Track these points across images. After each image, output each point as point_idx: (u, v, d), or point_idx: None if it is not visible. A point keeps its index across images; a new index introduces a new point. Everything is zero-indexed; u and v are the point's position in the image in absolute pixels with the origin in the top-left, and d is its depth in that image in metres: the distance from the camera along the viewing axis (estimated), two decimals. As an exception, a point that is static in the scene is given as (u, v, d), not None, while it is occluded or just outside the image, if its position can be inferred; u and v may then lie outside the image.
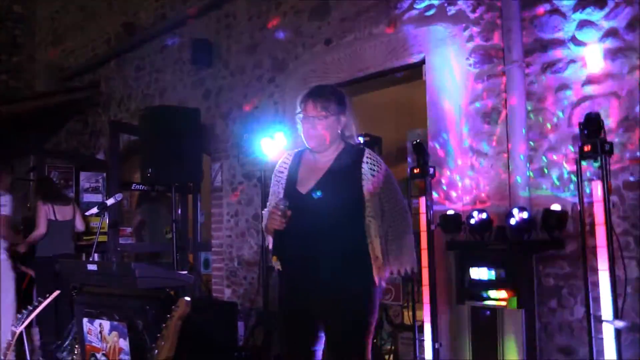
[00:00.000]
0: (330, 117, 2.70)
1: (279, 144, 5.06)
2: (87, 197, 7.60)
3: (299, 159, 2.85)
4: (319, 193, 2.69)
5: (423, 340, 4.13)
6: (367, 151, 2.77)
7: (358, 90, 5.11)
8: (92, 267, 3.81)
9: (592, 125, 3.35)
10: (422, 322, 4.17)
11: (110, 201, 4.85)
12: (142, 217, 7.55)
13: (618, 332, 3.21)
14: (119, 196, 4.93)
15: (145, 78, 7.63)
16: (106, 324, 2.51)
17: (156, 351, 1.93)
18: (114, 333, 2.47)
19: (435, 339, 4.04)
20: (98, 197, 7.71)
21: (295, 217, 2.67)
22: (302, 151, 2.87)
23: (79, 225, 6.00)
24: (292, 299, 2.77)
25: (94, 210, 4.85)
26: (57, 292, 2.70)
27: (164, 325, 2.01)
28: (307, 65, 5.45)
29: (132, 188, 6.41)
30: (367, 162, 2.70)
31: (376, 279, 2.65)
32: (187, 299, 2.14)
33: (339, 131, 2.76)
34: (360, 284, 2.65)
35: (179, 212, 6.36)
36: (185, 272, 4.54)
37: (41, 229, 5.83)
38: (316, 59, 5.37)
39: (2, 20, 10.19)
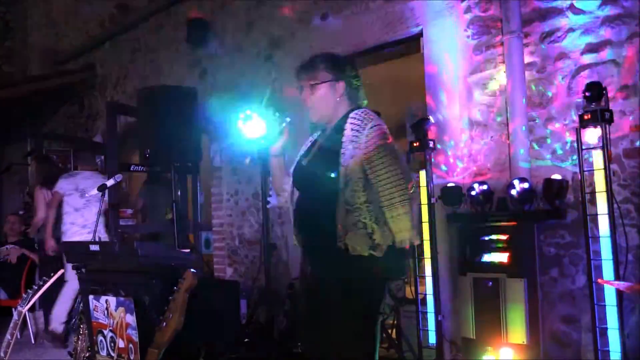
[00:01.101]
0: (322, 86, 2.60)
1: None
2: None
3: (321, 135, 2.76)
4: (305, 161, 2.66)
5: (426, 312, 4.16)
6: (353, 113, 2.55)
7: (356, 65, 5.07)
8: (94, 247, 3.81)
9: (593, 93, 3.35)
10: (425, 294, 4.19)
11: (110, 182, 4.83)
12: (145, 200, 7.53)
13: (620, 299, 3.24)
14: (118, 177, 4.91)
15: (140, 59, 7.57)
16: (112, 300, 2.52)
17: (164, 324, 1.93)
18: (121, 309, 2.48)
19: (438, 311, 4.07)
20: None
21: (297, 188, 2.70)
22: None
23: None
24: (300, 274, 2.78)
25: (94, 191, 4.84)
26: (61, 271, 2.70)
27: (170, 298, 2.01)
28: (304, 42, 5.41)
29: (131, 169, 6.38)
30: (350, 123, 2.52)
31: (354, 250, 2.46)
32: (193, 270, 2.14)
33: (339, 98, 2.62)
34: (342, 257, 2.47)
35: (179, 192, 6.34)
36: (187, 250, 4.55)
37: (40, 213, 5.82)
38: (313, 34, 5.33)
39: (-7, 4, 10.09)
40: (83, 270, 2.92)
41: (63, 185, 5.70)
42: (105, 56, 8.31)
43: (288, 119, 2.65)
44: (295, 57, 5.46)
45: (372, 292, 2.55)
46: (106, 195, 5.28)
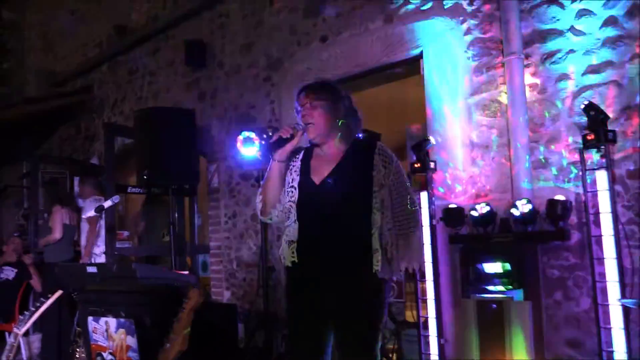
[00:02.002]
0: (324, 104, 2.70)
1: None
2: (82, 203, 7.51)
3: (309, 153, 2.83)
4: (329, 181, 2.69)
5: (428, 336, 4.10)
6: (379, 144, 2.77)
7: (355, 87, 5.06)
8: (91, 269, 3.75)
9: (594, 114, 3.34)
10: (426, 318, 4.13)
11: (107, 203, 4.77)
12: (139, 222, 7.47)
13: (627, 322, 3.19)
14: (116, 198, 4.86)
15: (138, 81, 7.56)
16: (112, 322, 2.46)
17: (168, 345, 1.88)
18: (121, 330, 2.41)
19: (440, 334, 4.01)
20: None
21: (309, 207, 2.68)
22: (311, 147, 2.84)
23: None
24: (301, 295, 2.73)
25: (92, 212, 4.80)
26: (59, 292, 2.64)
27: (174, 318, 1.96)
28: (303, 63, 5.41)
29: (128, 191, 6.33)
30: (378, 154, 2.70)
31: (381, 274, 2.60)
32: (198, 289, 2.09)
33: (338, 120, 2.72)
34: (369, 279, 2.60)
35: (176, 214, 6.28)
36: (185, 272, 4.49)
37: (56, 234, 5.82)
38: (312, 56, 5.33)
39: (-9, 26, 10.11)
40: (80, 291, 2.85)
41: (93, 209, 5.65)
42: (103, 78, 8.30)
43: (301, 125, 2.69)
44: (295, 79, 5.48)
45: (384, 315, 2.66)
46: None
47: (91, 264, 3.84)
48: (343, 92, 2.80)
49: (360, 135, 2.97)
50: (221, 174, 6.27)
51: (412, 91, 4.74)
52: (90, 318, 2.53)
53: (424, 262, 2.75)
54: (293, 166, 2.80)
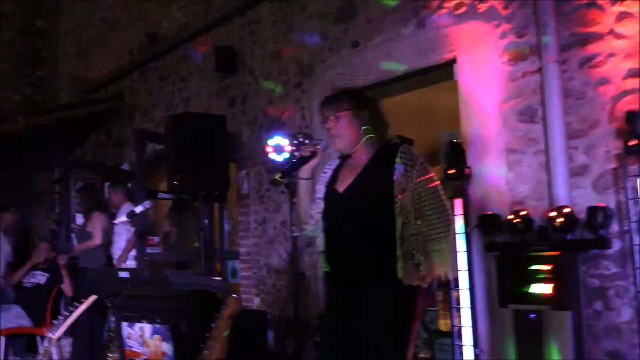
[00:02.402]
0: (346, 114, 2.68)
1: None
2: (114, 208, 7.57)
3: (342, 161, 2.82)
4: (351, 189, 2.67)
5: (462, 345, 4.02)
6: (402, 146, 2.70)
7: (386, 93, 5.03)
8: (124, 274, 3.76)
9: (636, 119, 3.25)
10: (460, 327, 4.06)
11: (138, 209, 4.81)
12: (169, 228, 7.49)
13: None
14: (147, 204, 4.89)
15: (169, 87, 7.61)
16: (147, 328, 2.44)
17: (206, 352, 1.85)
18: (156, 337, 2.39)
19: (475, 344, 3.93)
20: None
21: (333, 217, 2.69)
22: (345, 156, 2.84)
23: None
24: (331, 303, 2.73)
25: (124, 218, 4.83)
26: (93, 297, 2.64)
27: (213, 325, 1.93)
28: (334, 69, 5.38)
29: (158, 197, 6.37)
30: (400, 157, 2.63)
31: (406, 280, 2.54)
32: (236, 296, 2.06)
33: (363, 128, 2.70)
34: (394, 286, 2.55)
35: (205, 221, 6.28)
36: (218, 278, 4.48)
37: (97, 239, 5.86)
38: (343, 62, 5.30)
39: (25, 34, 10.26)
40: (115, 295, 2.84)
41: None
42: (134, 85, 8.38)
43: (322, 141, 2.71)
44: (325, 85, 5.45)
45: (411, 323, 2.59)
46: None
47: (123, 269, 3.83)
48: (366, 97, 2.78)
49: (391, 141, 2.92)
50: (251, 180, 6.26)
51: (445, 97, 4.67)
52: (124, 323, 2.52)
53: (455, 268, 2.66)
54: (324, 176, 2.81)
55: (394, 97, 5.13)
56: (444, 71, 4.56)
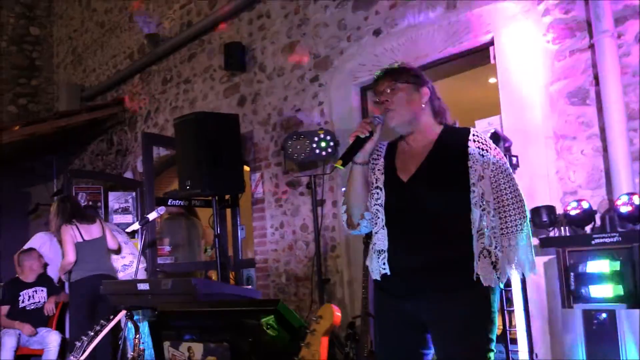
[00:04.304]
0: (405, 87, 2.35)
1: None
2: (117, 219, 7.19)
3: (393, 148, 2.47)
4: (419, 177, 2.33)
5: (517, 351, 3.66)
6: (473, 130, 2.38)
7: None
8: (143, 286, 3.40)
9: None
10: (514, 331, 3.70)
11: (152, 215, 4.47)
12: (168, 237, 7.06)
13: None
14: (161, 209, 4.55)
15: (173, 90, 7.25)
16: (198, 348, 2.05)
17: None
18: (211, 358, 2.00)
19: (531, 349, 3.57)
20: (128, 218, 7.31)
21: (397, 210, 2.33)
22: (395, 141, 2.50)
23: (110, 243, 5.56)
24: (393, 311, 2.35)
25: (136, 225, 4.47)
26: (122, 313, 2.28)
27: (302, 343, 1.56)
28: (354, 60, 5.04)
29: (168, 204, 5.99)
30: (474, 141, 2.31)
31: (485, 280, 2.21)
32: (334, 306, 1.68)
33: (424, 105, 2.37)
34: (472, 287, 2.22)
35: (218, 227, 5.90)
36: (248, 287, 4.12)
37: (70, 256, 5.39)
38: (365, 51, 4.96)
39: (20, 43, 9.90)
40: (155, 312, 2.44)
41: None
42: (135, 89, 8.02)
43: (378, 117, 2.36)
44: (345, 77, 5.11)
45: (494, 328, 2.25)
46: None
47: (142, 280, 3.47)
48: (424, 75, 2.45)
49: (451, 124, 2.59)
50: (266, 183, 5.90)
51: (482, 82, 4.34)
52: (166, 344, 2.11)
53: (534, 265, 2.29)
54: (375, 164, 2.44)
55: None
56: (480, 54, 4.24)
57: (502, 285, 2.28)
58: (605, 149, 3.54)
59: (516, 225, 2.26)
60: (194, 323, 2.10)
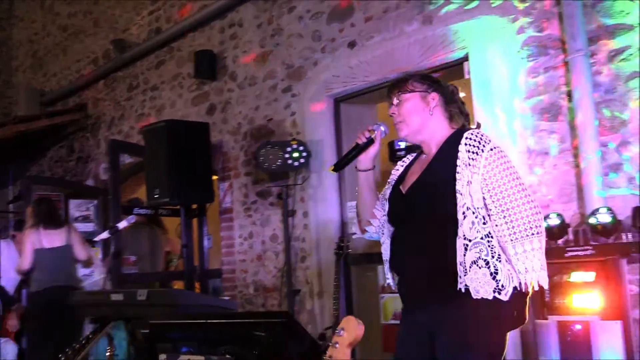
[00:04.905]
0: (411, 97, 2.32)
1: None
2: (78, 227, 7.01)
3: (416, 158, 2.46)
4: (414, 187, 2.32)
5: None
6: (468, 132, 2.25)
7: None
8: (117, 297, 3.31)
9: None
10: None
11: (122, 224, 4.38)
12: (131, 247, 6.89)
13: None
14: (131, 218, 4.48)
15: (139, 97, 7.14)
16: (199, 362, 1.95)
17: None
18: (215, 372, 1.91)
19: (505, 360, 3.61)
20: (89, 227, 7.16)
21: (398, 221, 2.35)
22: (422, 151, 2.45)
23: (79, 253, 5.41)
24: (406, 313, 2.36)
25: (105, 234, 4.37)
26: (110, 324, 2.20)
27: (324, 358, 1.52)
28: (328, 71, 5.06)
29: (134, 212, 5.87)
30: (465, 144, 2.19)
31: (475, 293, 2.11)
32: (356, 319, 1.64)
33: (432, 112, 2.31)
34: (466, 299, 2.13)
35: (184, 237, 5.81)
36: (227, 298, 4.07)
37: (24, 264, 5.20)
38: (339, 63, 4.98)
39: (-23, 45, 9.64)
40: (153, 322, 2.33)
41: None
42: (99, 95, 7.86)
43: (379, 126, 2.38)
44: (319, 88, 5.12)
45: (496, 345, 2.16)
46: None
47: (115, 291, 3.39)
48: (438, 80, 2.44)
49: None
50: (234, 192, 5.85)
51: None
52: (162, 357, 2.02)
53: (545, 275, 2.16)
54: (394, 174, 2.46)
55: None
56: (455, 70, 4.30)
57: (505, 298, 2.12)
58: (577, 165, 3.63)
59: (517, 233, 2.11)
60: (192, 335, 2.02)
